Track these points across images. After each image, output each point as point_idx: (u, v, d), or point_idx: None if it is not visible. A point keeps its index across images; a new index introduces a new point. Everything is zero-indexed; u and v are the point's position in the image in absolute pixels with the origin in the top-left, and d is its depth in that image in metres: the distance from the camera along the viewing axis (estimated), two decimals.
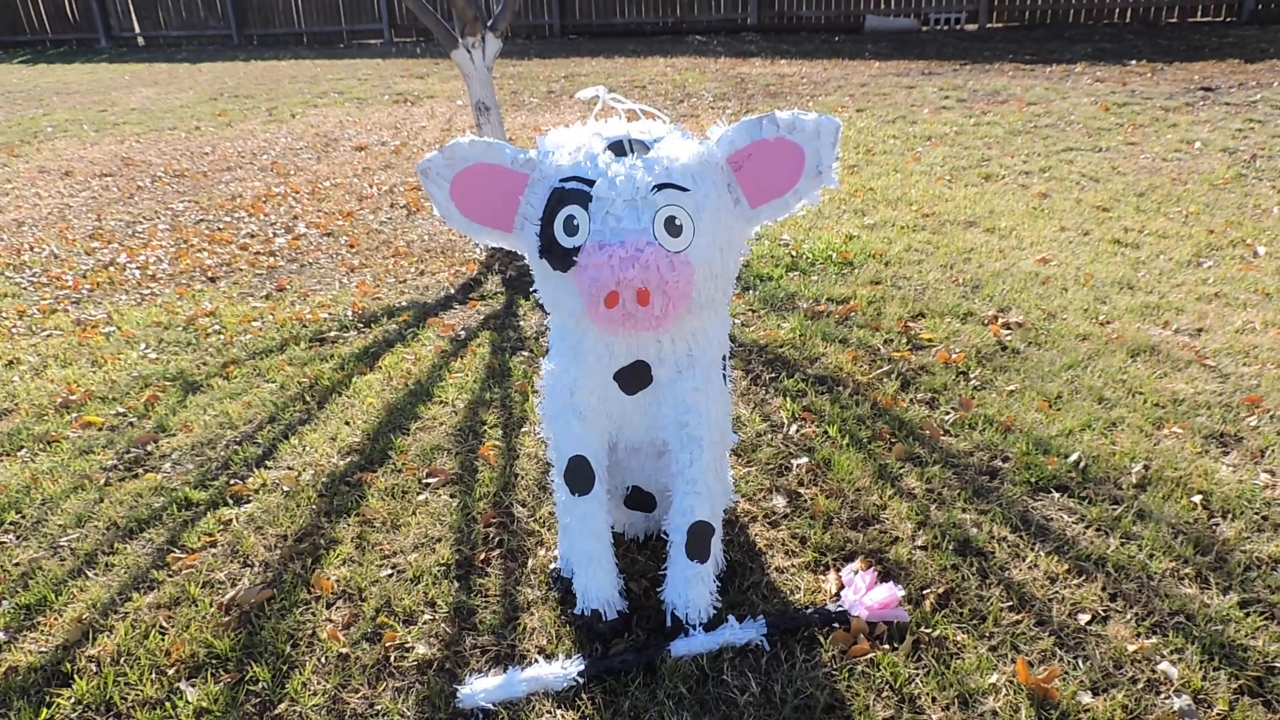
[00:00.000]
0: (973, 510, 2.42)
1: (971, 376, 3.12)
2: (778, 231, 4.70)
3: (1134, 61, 9.08)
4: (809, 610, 2.08)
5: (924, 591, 2.13)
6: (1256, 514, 2.34)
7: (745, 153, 1.97)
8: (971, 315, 3.59)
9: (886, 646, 1.98)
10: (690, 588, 2.03)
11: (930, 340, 3.41)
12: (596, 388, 2.05)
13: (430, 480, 2.72)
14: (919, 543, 2.31)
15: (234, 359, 3.66)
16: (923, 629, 2.02)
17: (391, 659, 2.05)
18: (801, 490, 2.57)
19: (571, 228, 1.88)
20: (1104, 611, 2.05)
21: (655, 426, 2.11)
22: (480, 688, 1.91)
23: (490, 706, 1.89)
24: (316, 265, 4.87)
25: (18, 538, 2.58)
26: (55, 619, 2.23)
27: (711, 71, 10.33)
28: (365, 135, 8.24)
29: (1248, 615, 2.01)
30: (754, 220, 2.05)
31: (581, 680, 1.93)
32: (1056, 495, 2.47)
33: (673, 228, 1.86)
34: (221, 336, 3.91)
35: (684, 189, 1.88)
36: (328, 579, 2.30)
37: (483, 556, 2.37)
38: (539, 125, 8.11)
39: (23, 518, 2.66)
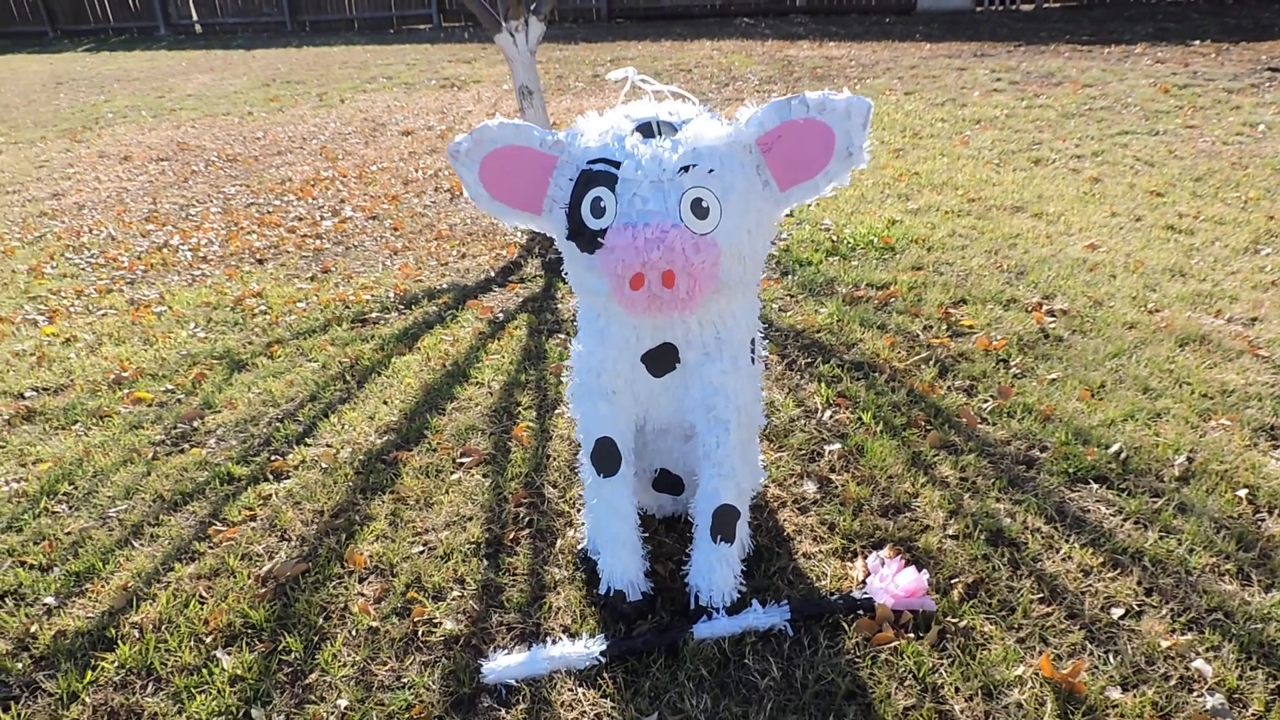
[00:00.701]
0: (1007, 500, 2.38)
1: (1012, 364, 3.06)
2: (819, 216, 4.64)
3: (1198, 42, 8.77)
4: (834, 596, 2.07)
5: (953, 581, 2.11)
6: None
7: (775, 134, 1.95)
8: (1015, 302, 3.51)
9: (911, 635, 1.96)
10: (714, 571, 2.04)
11: (971, 327, 3.35)
12: (624, 370, 2.05)
13: (464, 460, 2.76)
14: (950, 532, 2.28)
15: (278, 339, 3.74)
16: (949, 618, 2.00)
17: (419, 633, 2.09)
18: (833, 476, 2.55)
19: (599, 210, 1.89)
20: (1138, 606, 2.01)
21: (682, 409, 2.11)
22: (504, 664, 1.94)
23: (513, 683, 1.92)
24: (361, 248, 4.94)
25: (70, 508, 2.67)
26: (102, 586, 2.31)
27: (758, 54, 10.22)
28: (412, 120, 8.32)
29: None
30: (784, 203, 2.03)
31: (604, 660, 1.94)
32: (1095, 486, 2.41)
33: (699, 209, 1.85)
34: (267, 317, 4.00)
35: (711, 171, 1.87)
36: (361, 554, 2.35)
37: (512, 536, 2.40)
38: (583, 109, 8.11)
39: (75, 489, 2.76)
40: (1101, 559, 2.15)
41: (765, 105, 1.95)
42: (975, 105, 6.84)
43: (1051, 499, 2.37)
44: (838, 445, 2.68)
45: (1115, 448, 2.54)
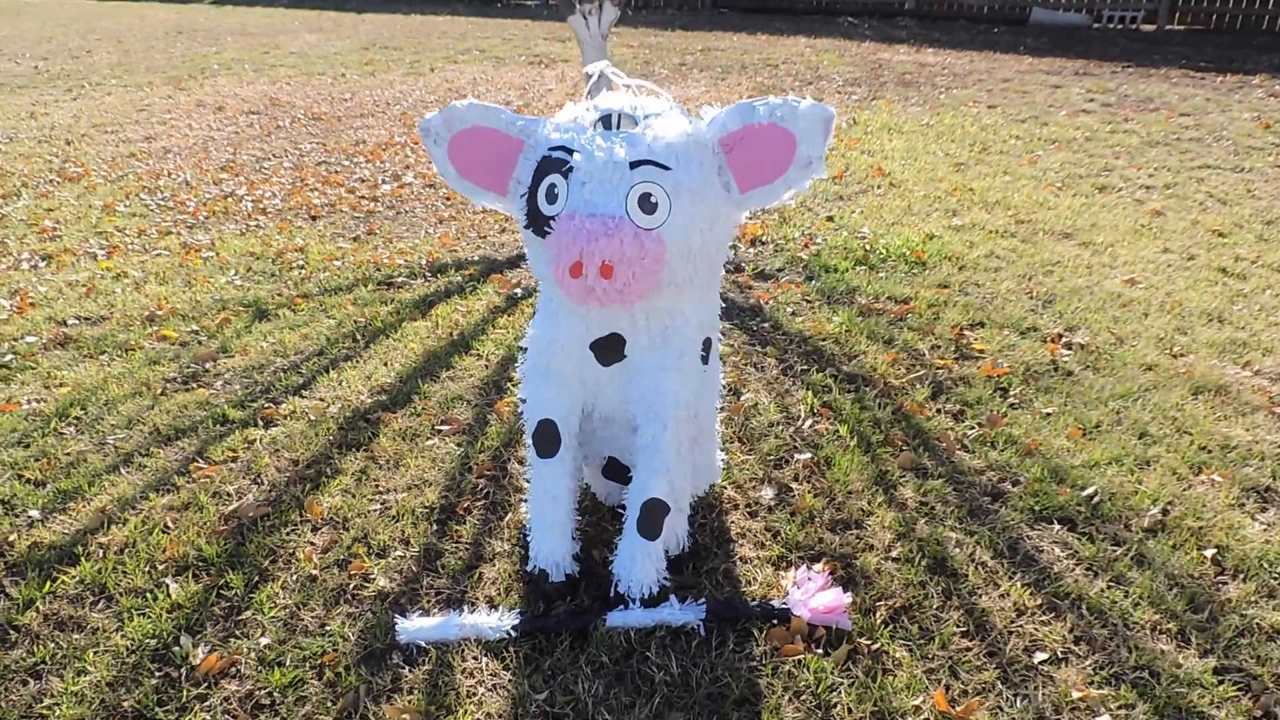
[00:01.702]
0: (961, 530, 2.33)
1: (1011, 394, 2.97)
2: (858, 224, 4.57)
3: None
4: (753, 603, 2.06)
5: (879, 603, 2.08)
6: (1273, 578, 2.15)
7: (737, 136, 1.95)
8: (1034, 331, 3.40)
9: (820, 651, 1.94)
10: (635, 563, 2.06)
11: (981, 351, 3.26)
12: (573, 355, 2.08)
13: (443, 427, 2.84)
14: (893, 554, 2.24)
15: (306, 293, 3.90)
16: (863, 639, 1.97)
17: (352, 587, 2.17)
18: (794, 485, 2.53)
19: (552, 196, 1.92)
20: (1062, 653, 1.94)
21: (627, 400, 2.13)
22: (418, 625, 2.00)
23: (424, 644, 1.98)
24: (411, 214, 5.09)
25: (76, 430, 2.86)
26: (83, 506, 2.48)
27: (850, 55, 10.03)
28: (493, 94, 8.47)
29: (1220, 683, 1.86)
30: (743, 205, 2.03)
31: (513, 634, 1.99)
32: (1057, 527, 2.33)
33: (647, 204, 1.86)
34: (303, 271, 4.16)
35: (664, 167, 1.88)
36: (320, 505, 2.45)
37: (466, 505, 2.46)
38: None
39: (85, 414, 2.95)
40: (1040, 601, 2.08)
41: (730, 107, 1.95)
42: (1057, 125, 6.58)
43: (1007, 534, 2.30)
44: (808, 455, 2.66)
45: (1090, 491, 2.45)
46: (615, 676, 1.88)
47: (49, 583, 2.19)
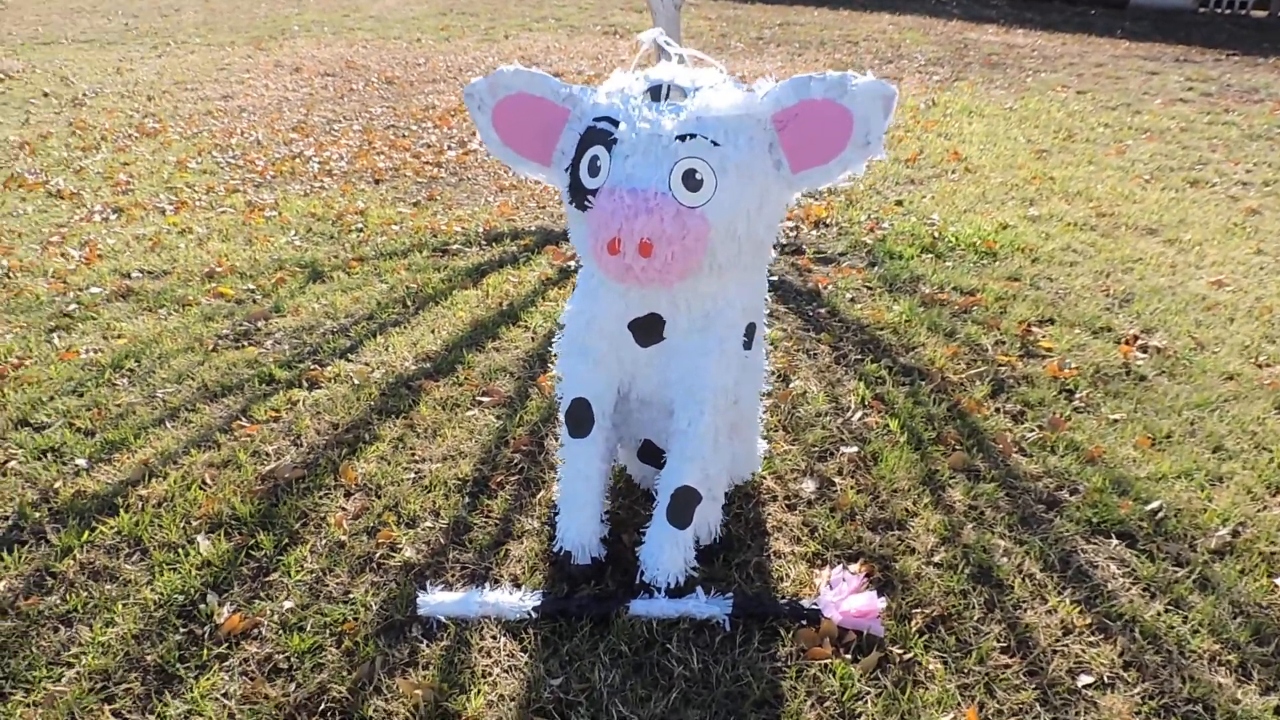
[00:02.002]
0: (1010, 538, 2.20)
1: (1077, 396, 2.81)
2: (928, 209, 4.39)
3: None
4: (782, 601, 1.99)
5: (916, 610, 1.98)
6: None
7: (791, 112, 1.85)
8: (1108, 331, 3.22)
9: (849, 657, 1.86)
10: (663, 552, 2.00)
11: (1048, 350, 3.09)
12: (610, 333, 2.02)
13: (483, 399, 2.81)
14: (935, 559, 2.14)
15: (362, 256, 3.91)
16: (895, 647, 1.88)
17: (378, 555, 2.16)
18: (837, 480, 2.43)
19: (595, 169, 1.85)
20: (1110, 679, 1.82)
21: (665, 384, 2.06)
22: (439, 600, 1.98)
23: (444, 619, 1.95)
24: (473, 181, 5.07)
25: (129, 383, 2.91)
26: (127, 458, 2.52)
27: (935, 34, 9.68)
28: (565, 63, 8.40)
29: None
30: (794, 186, 1.93)
31: (534, 615, 1.95)
32: (1115, 542, 2.20)
33: (691, 181, 1.78)
34: (361, 234, 4.18)
35: (712, 142, 1.79)
36: (355, 471, 2.45)
37: (500, 479, 2.43)
38: (733, 70, 7.96)
39: (138, 366, 3.00)
40: (1090, 620, 1.96)
41: (785, 80, 1.85)
42: (1150, 113, 6.23)
43: (1060, 546, 2.17)
44: (854, 448, 2.55)
45: (1154, 505, 2.30)
46: (633, 667, 1.83)
47: (88, 532, 2.22)
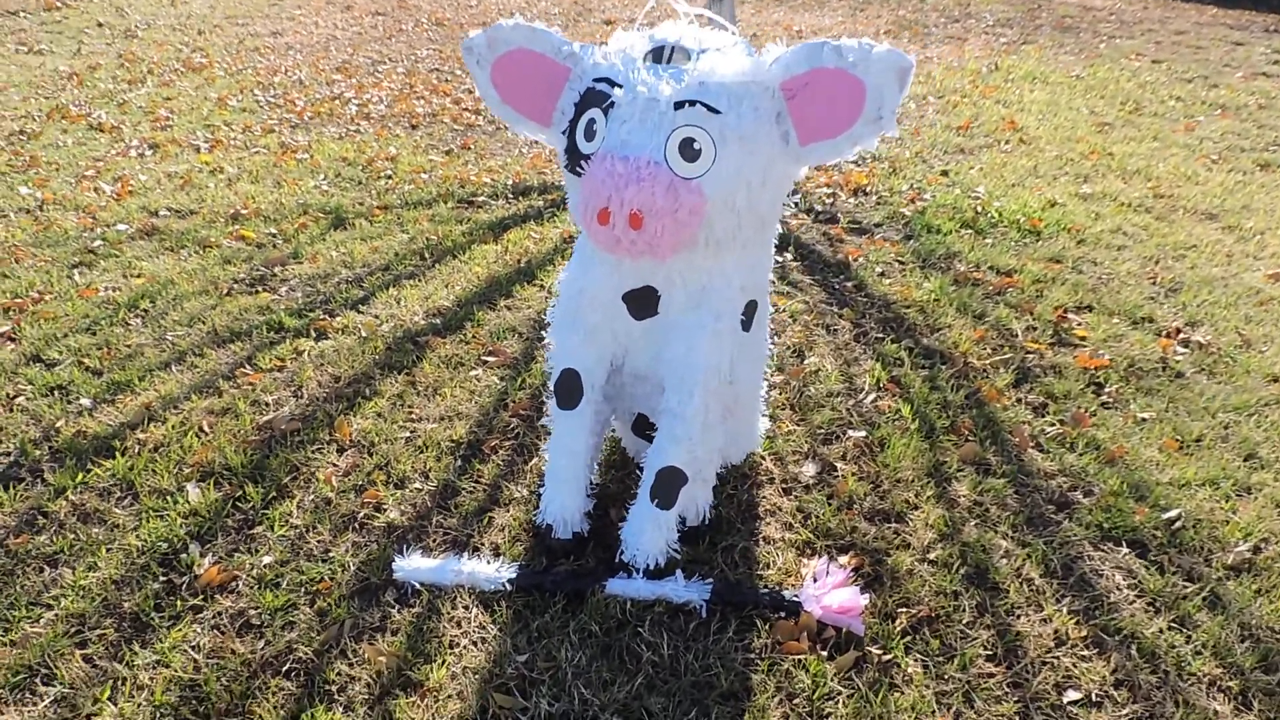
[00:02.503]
0: (1013, 539, 2.11)
1: (1106, 390, 2.67)
2: (974, 181, 4.20)
3: None
4: (763, 590, 1.93)
5: (902, 609, 1.90)
6: None
7: (801, 80, 1.74)
8: (1148, 322, 3.05)
9: (825, 653, 1.80)
10: (644, 532, 1.94)
11: (1082, 339, 2.94)
12: (604, 304, 1.95)
13: (489, 358, 2.77)
14: (930, 556, 2.05)
15: (387, 204, 3.87)
16: (874, 647, 1.81)
17: (362, 515, 2.14)
18: (840, 465, 2.35)
19: (591, 132, 1.77)
20: (1099, 696, 1.73)
21: (658, 359, 1.99)
22: (414, 565, 1.96)
23: (418, 585, 1.94)
24: (509, 130, 4.98)
25: (141, 323, 2.93)
26: (130, 400, 2.53)
27: None
28: (618, 10, 8.22)
29: None
30: (801, 159, 1.83)
31: (509, 587, 1.92)
32: (1124, 551, 2.08)
33: (689, 150, 1.69)
34: (389, 182, 4.14)
35: (714, 110, 1.69)
36: (350, 426, 2.43)
37: (494, 443, 2.40)
38: (790, 24, 7.70)
39: (153, 306, 3.02)
40: (1085, 632, 1.86)
41: (795, 46, 1.73)
42: (1228, 88, 5.88)
43: (1064, 551, 2.07)
44: (862, 433, 2.46)
45: (1172, 514, 2.18)
46: (601, 649, 1.79)
47: (82, 473, 2.25)
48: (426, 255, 3.42)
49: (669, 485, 1.92)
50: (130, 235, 3.53)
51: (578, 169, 1.78)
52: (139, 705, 1.67)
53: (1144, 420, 2.54)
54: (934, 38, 7.29)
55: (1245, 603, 1.94)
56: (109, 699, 1.68)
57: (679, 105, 1.69)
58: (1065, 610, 1.92)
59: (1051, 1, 8.82)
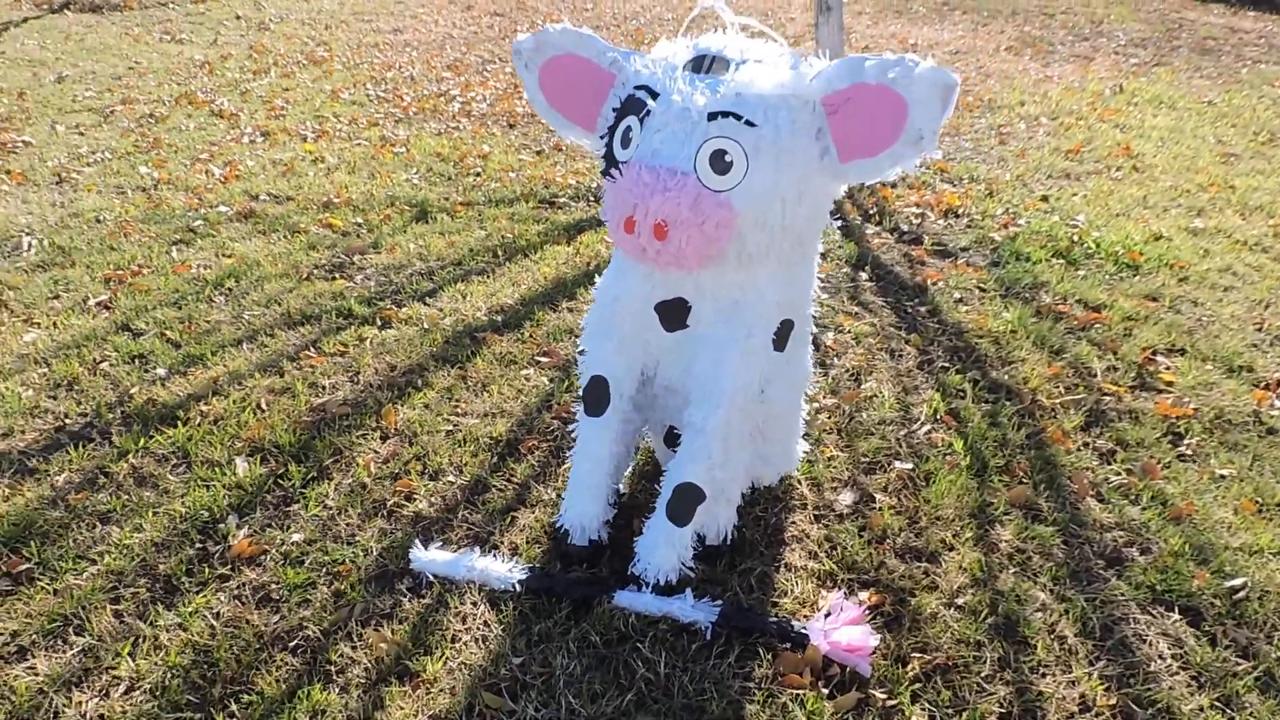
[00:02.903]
0: (1052, 593, 1.98)
1: (1185, 442, 2.49)
2: (1075, 209, 3.98)
3: None
4: (771, 619, 1.87)
5: (917, 654, 1.82)
6: None
7: (843, 95, 1.69)
8: (1246, 371, 2.82)
9: (827, 691, 1.73)
10: (657, 548, 1.92)
11: (1168, 384, 2.75)
12: (636, 314, 1.94)
13: (542, 359, 2.80)
14: (959, 601, 1.95)
15: (470, 200, 3.96)
16: (879, 690, 1.74)
17: (391, 503, 2.20)
18: (879, 496, 2.26)
19: (626, 140, 1.77)
20: None
21: (688, 373, 1.96)
22: (430, 557, 1.99)
23: (431, 577, 1.97)
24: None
25: (224, 300, 3.09)
26: (200, 373, 2.67)
27: (1146, 11, 8.73)
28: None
29: None
30: (841, 177, 1.78)
31: (518, 588, 1.93)
32: (1175, 617, 1.93)
33: (720, 163, 1.67)
34: (477, 179, 4.23)
35: (749, 122, 1.66)
36: (396, 415, 2.50)
37: (531, 444, 2.42)
38: (907, 37, 7.49)
39: (236, 285, 3.17)
40: (1114, 701, 1.74)
41: (838, 60, 1.68)
42: None
43: (1107, 611, 1.93)
44: (909, 465, 2.37)
45: (1237, 582, 2.01)
46: (597, 660, 1.78)
47: (145, 439, 2.38)
48: (500, 253, 3.48)
49: (685, 502, 1.89)
50: (229, 217, 3.72)
51: (613, 176, 1.78)
52: (154, 664, 1.75)
53: (1222, 477, 2.35)
54: (1058, 56, 6.96)
55: None
56: (129, 654, 1.77)
57: (713, 116, 1.67)
58: (1097, 674, 1.79)
59: (1194, 21, 8.29)
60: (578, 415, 2.05)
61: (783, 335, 1.91)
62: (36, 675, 1.73)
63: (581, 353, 2.04)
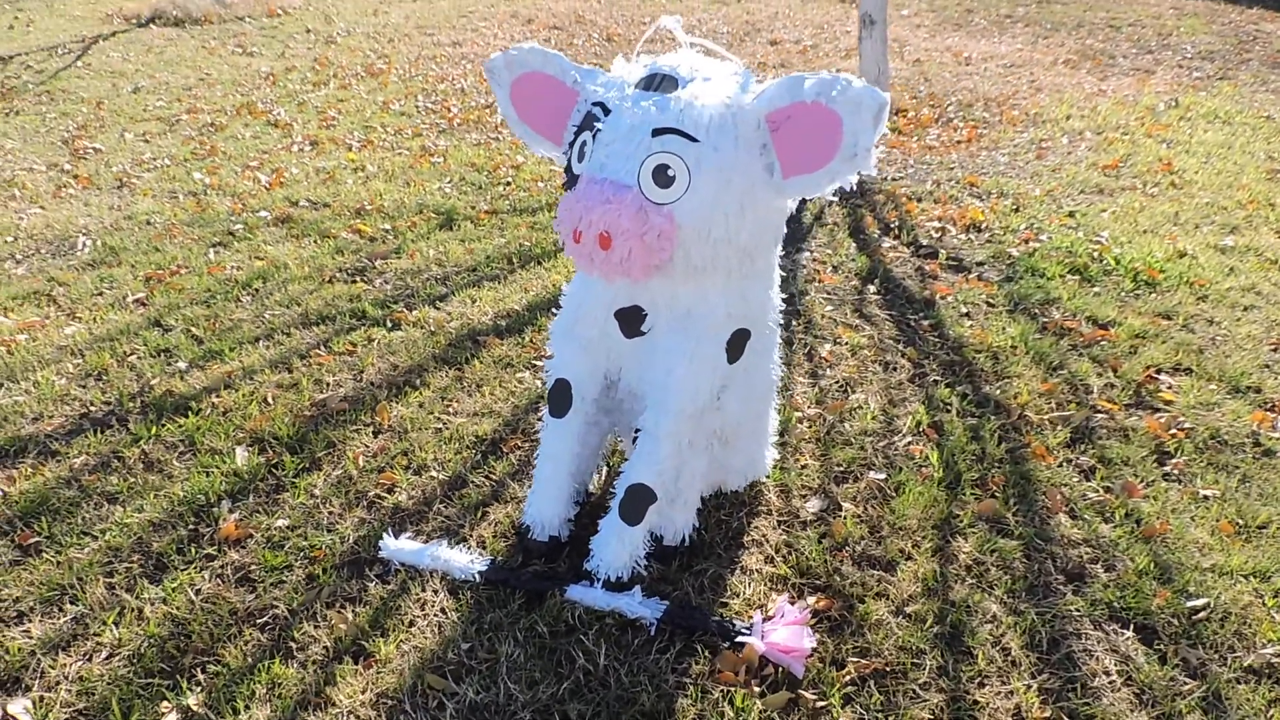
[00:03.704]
0: (1004, 606, 1.98)
1: (1172, 462, 2.44)
2: (1100, 224, 3.91)
3: None
4: (714, 617, 1.92)
5: (854, 659, 1.85)
6: None
7: (784, 113, 1.75)
8: (1253, 392, 2.75)
9: (759, 689, 1.78)
10: (608, 546, 1.99)
11: (1168, 403, 2.70)
12: (598, 320, 2.03)
13: (538, 362, 2.89)
14: (906, 610, 1.97)
15: (495, 209, 4.10)
16: (810, 691, 1.77)
17: (374, 494, 2.32)
18: (846, 505, 2.29)
19: (581, 154, 1.86)
20: None
21: (643, 380, 2.04)
22: (399, 546, 2.10)
23: (398, 565, 2.08)
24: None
25: (250, 300, 3.27)
26: (217, 368, 2.85)
27: (1222, 23, 8.43)
28: (786, 30, 8.20)
29: None
30: (784, 192, 1.83)
31: (478, 579, 2.02)
32: (1128, 635, 1.91)
33: (662, 177, 1.74)
34: (507, 188, 4.37)
35: (690, 138, 1.73)
36: (390, 412, 2.62)
37: (515, 443, 2.51)
38: (961, 50, 7.41)
39: (263, 286, 3.36)
40: (1049, 714, 1.74)
41: (779, 79, 1.74)
42: None
43: (1058, 625, 1.93)
44: (881, 475, 2.39)
45: (1199, 602, 1.98)
46: (540, 649, 1.86)
47: (158, 427, 2.56)
48: (515, 260, 3.60)
49: (637, 502, 1.96)
50: (267, 222, 3.93)
51: (568, 189, 1.87)
52: (134, 633, 1.90)
53: (1205, 498, 2.31)
54: (1118, 69, 6.79)
55: (1250, 711, 1.74)
56: (114, 623, 1.93)
57: (657, 132, 1.74)
58: (1036, 687, 1.80)
59: (1270, 34, 7.97)
60: (542, 416, 2.14)
61: (737, 346, 1.97)
62: (30, 638, 1.90)
63: (548, 356, 2.13)
